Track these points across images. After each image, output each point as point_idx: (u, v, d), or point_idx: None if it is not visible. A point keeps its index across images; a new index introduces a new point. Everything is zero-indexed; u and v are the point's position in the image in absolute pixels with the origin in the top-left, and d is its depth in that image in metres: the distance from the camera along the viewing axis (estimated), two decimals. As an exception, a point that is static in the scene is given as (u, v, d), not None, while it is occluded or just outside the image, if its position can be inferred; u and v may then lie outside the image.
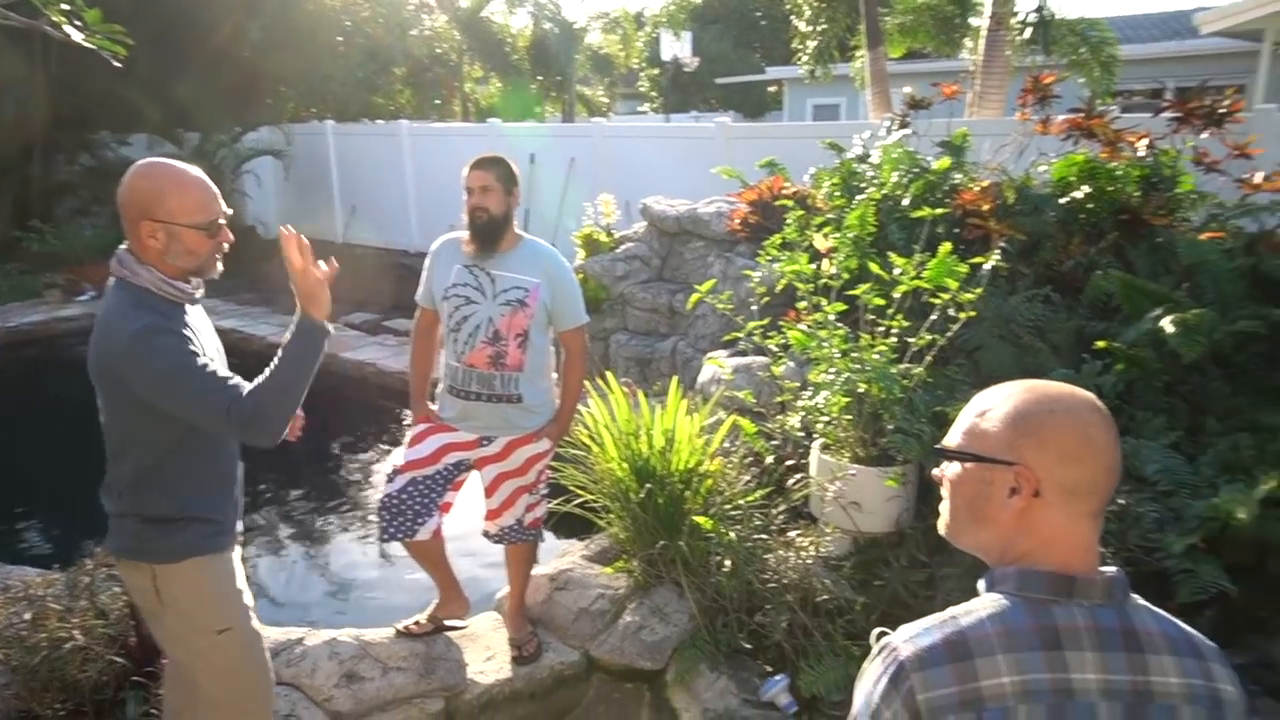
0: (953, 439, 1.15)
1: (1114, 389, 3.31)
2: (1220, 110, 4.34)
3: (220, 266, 2.13)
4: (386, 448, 6.53)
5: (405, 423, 6.87)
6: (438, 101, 17.68)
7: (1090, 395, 1.09)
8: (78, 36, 4.53)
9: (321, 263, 2.07)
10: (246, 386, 1.95)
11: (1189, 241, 3.93)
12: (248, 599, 2.27)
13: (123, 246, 2.05)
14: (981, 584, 1.11)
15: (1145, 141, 4.46)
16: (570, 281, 3.05)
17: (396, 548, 3.15)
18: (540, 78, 19.06)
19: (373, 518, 5.18)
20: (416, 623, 3.27)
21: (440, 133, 11.89)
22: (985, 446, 1.09)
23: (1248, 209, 4.39)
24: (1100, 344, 3.42)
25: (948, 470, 1.16)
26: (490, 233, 2.90)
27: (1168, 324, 3.26)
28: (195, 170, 2.06)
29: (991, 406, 1.11)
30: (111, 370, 1.97)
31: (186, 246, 2.01)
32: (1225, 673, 1.04)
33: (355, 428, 6.87)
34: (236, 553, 2.29)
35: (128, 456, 2.07)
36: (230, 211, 2.14)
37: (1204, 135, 4.39)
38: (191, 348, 1.97)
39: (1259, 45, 10.64)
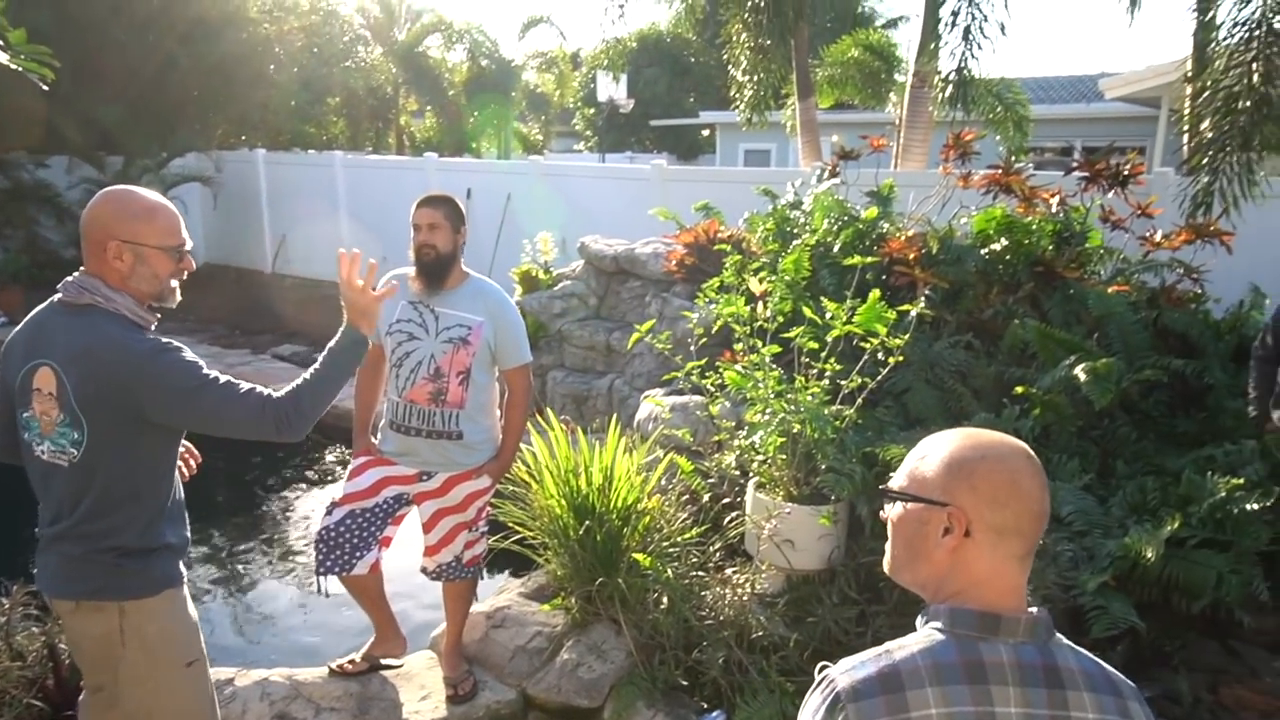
0: (896, 481, 1.23)
1: (1031, 432, 3.50)
2: (1125, 172, 4.65)
3: (178, 296, 2.13)
4: (319, 483, 6.40)
5: (334, 455, 6.76)
6: (372, 133, 17.57)
7: (1023, 445, 1.17)
8: (2, 58, 4.43)
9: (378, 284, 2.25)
10: (264, 390, 2.02)
11: (1098, 294, 4.19)
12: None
13: (79, 273, 2.02)
14: (919, 620, 1.18)
15: (1058, 198, 4.75)
16: (514, 320, 3.09)
17: (332, 584, 3.10)
18: (477, 113, 19.11)
19: (304, 555, 5.11)
20: (351, 661, 3.22)
21: (375, 165, 11.82)
22: (922, 488, 1.17)
23: (1149, 265, 4.71)
24: (1019, 389, 3.61)
25: (890, 511, 1.22)
26: (437, 270, 2.93)
27: (1080, 372, 3.46)
28: (161, 197, 2.08)
29: (931, 451, 1.19)
30: (116, 393, 1.93)
31: (152, 269, 2.01)
32: (1141, 710, 1.12)
33: (286, 463, 6.72)
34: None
35: (104, 488, 2.00)
36: (191, 243, 2.14)
37: (1110, 194, 4.70)
38: (196, 360, 2.01)
39: (1157, 111, 11.37)
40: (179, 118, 12.52)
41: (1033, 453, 1.16)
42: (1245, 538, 3.05)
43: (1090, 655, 1.14)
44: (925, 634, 1.12)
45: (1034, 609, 1.13)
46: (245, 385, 2.01)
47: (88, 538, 2.02)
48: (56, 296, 2.02)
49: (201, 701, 2.20)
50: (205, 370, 1.99)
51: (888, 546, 1.24)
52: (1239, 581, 2.94)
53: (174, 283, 2.09)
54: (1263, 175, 5.01)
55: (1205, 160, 5.10)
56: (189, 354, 2.01)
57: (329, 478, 6.49)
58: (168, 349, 1.97)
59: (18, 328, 2.08)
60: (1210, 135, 5.17)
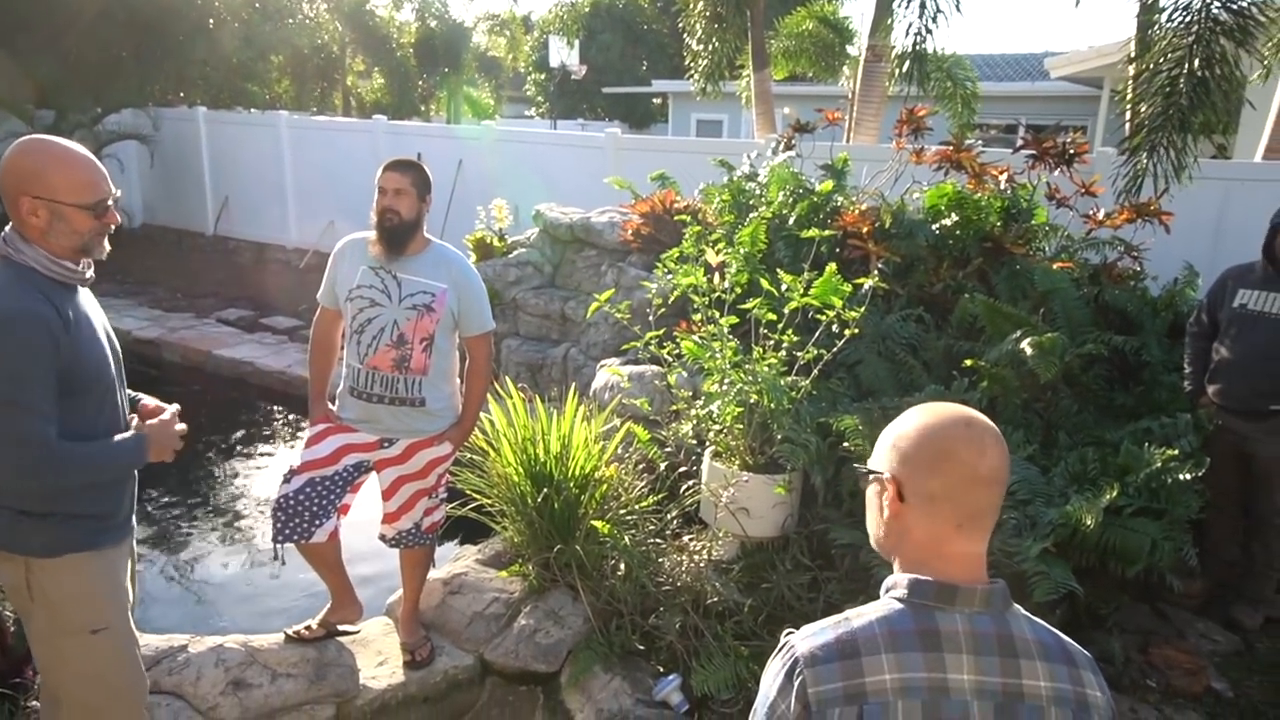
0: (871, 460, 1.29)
1: (979, 404, 3.60)
2: (1071, 151, 4.77)
3: (107, 247, 2.07)
4: (268, 450, 6.31)
5: (284, 423, 6.67)
6: (318, 93, 17.12)
7: (972, 415, 1.19)
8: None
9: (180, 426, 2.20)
10: (53, 432, 1.90)
11: (1043, 270, 4.31)
12: (127, 598, 2.20)
13: (9, 226, 1.98)
14: (882, 588, 1.22)
15: (1006, 176, 4.85)
16: (478, 287, 3.07)
17: (286, 550, 3.08)
18: (426, 76, 18.71)
19: (255, 520, 5.05)
20: (307, 627, 3.21)
21: (322, 126, 11.54)
22: (873, 461, 1.24)
23: (1092, 242, 4.85)
24: (968, 362, 3.71)
25: (868, 487, 1.28)
26: (399, 236, 2.89)
27: (1027, 346, 3.57)
28: (81, 148, 2.02)
29: (886, 430, 1.25)
30: None
31: (71, 225, 1.96)
32: (1095, 679, 1.16)
33: (234, 429, 6.60)
34: (126, 548, 2.22)
35: None
36: (119, 193, 2.09)
37: (1056, 173, 4.82)
38: (39, 361, 1.88)
39: (1100, 91, 11.64)
40: (114, 72, 12.03)
41: (985, 422, 1.19)
42: (1178, 506, 3.19)
43: (1047, 626, 1.18)
44: (885, 603, 1.16)
45: (992, 581, 1.17)
46: (49, 420, 1.90)
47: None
48: None
49: (110, 670, 2.17)
50: (33, 373, 1.87)
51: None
52: (1171, 548, 3.08)
53: (101, 235, 2.04)
54: (1193, 159, 5.16)
55: (1142, 141, 5.24)
56: (37, 347, 1.88)
57: (278, 442, 6.40)
58: (20, 323, 1.87)
59: None
60: (1149, 117, 5.31)
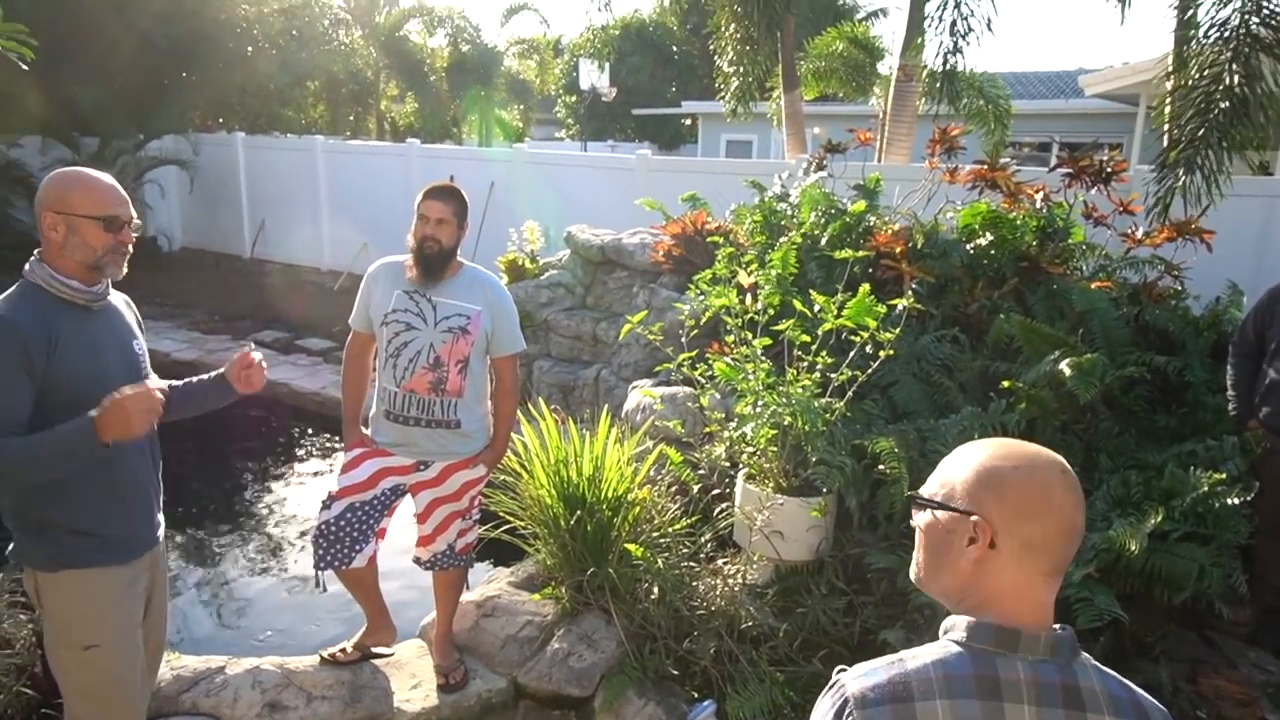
0: (927, 488, 1.20)
1: (1017, 426, 3.55)
2: (1108, 169, 4.71)
3: (125, 268, 2.16)
4: (303, 471, 6.37)
5: (318, 444, 6.73)
6: (352, 118, 17.40)
7: (1058, 459, 1.13)
8: (-21, 37, 4.35)
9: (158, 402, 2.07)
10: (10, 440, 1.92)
11: (1081, 290, 4.25)
12: (132, 619, 2.22)
13: (36, 251, 2.11)
14: (941, 629, 1.15)
15: (1042, 194, 4.80)
16: (510, 309, 3.09)
17: (324, 575, 3.09)
18: (458, 99, 18.96)
19: (290, 541, 5.09)
20: (342, 650, 3.22)
21: (356, 150, 11.72)
22: (950, 496, 1.15)
23: (1131, 261, 4.78)
24: (1005, 384, 3.66)
25: (919, 518, 1.20)
26: (438, 265, 2.92)
27: (1065, 366, 3.51)
28: (106, 177, 2.15)
29: (963, 460, 1.16)
30: None
31: (84, 239, 2.06)
32: None
33: (269, 449, 6.67)
34: (137, 568, 2.24)
35: None
36: (139, 221, 2.21)
37: (1092, 191, 4.76)
38: (3, 368, 1.92)
39: (1135, 109, 11.50)
40: (156, 99, 12.32)
41: (1068, 467, 1.13)
42: (1226, 531, 3.12)
43: (1117, 676, 1.11)
44: (942, 645, 1.10)
45: (1058, 627, 1.11)
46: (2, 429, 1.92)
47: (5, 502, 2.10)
48: None
49: (100, 687, 2.20)
50: None
51: (915, 553, 1.21)
52: (1219, 574, 3.00)
53: (117, 254, 2.12)
54: (1227, 177, 5.06)
55: (1180, 157, 5.16)
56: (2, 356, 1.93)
57: (313, 463, 6.46)
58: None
59: None
60: (1186, 134, 5.23)
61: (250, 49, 13.74)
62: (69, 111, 11.27)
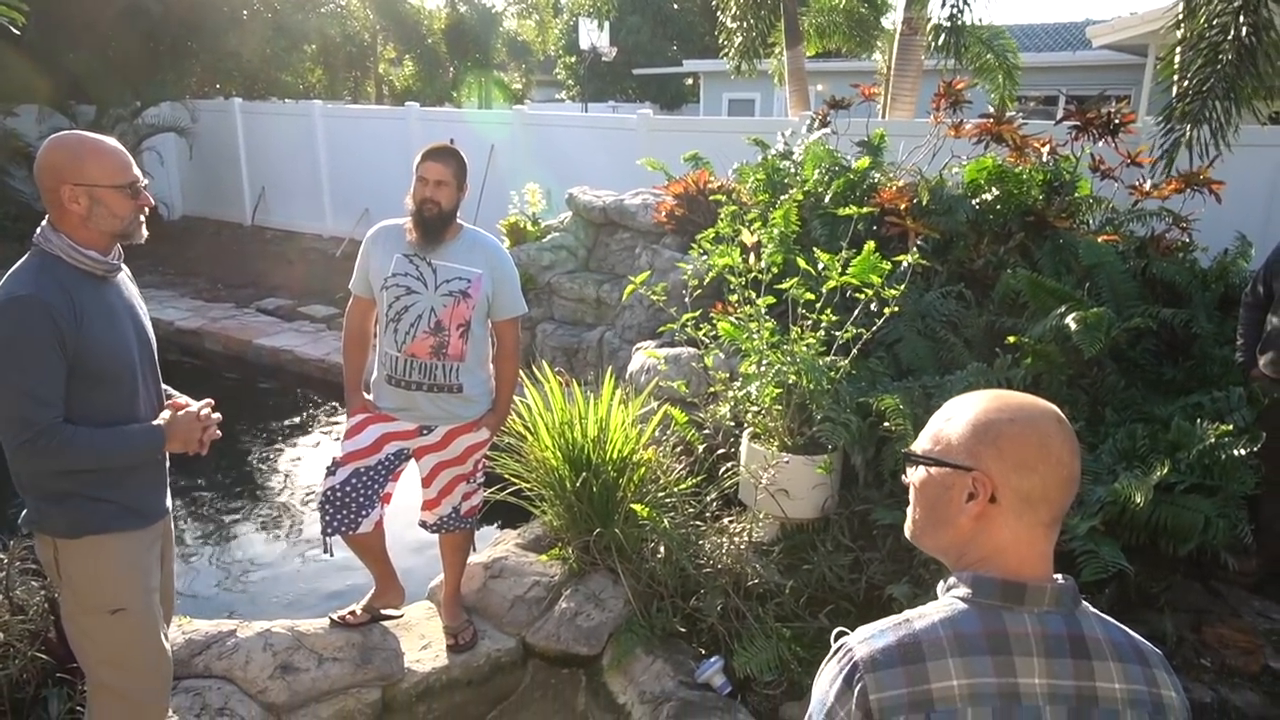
0: (920, 444, 1.18)
1: (1023, 381, 3.53)
2: (1115, 121, 4.64)
3: (145, 232, 2.14)
4: (309, 436, 6.39)
5: (323, 410, 6.75)
6: (350, 82, 17.22)
7: (1053, 408, 1.12)
8: (-32, 3, 4.29)
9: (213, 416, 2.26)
10: (60, 416, 1.96)
11: (1088, 243, 4.21)
12: (151, 582, 2.24)
13: (45, 220, 2.07)
14: (940, 587, 1.14)
15: (1048, 148, 4.73)
16: (511, 272, 3.07)
17: (335, 542, 3.11)
18: (456, 62, 18.74)
19: (297, 506, 5.12)
20: (352, 612, 3.25)
21: (355, 115, 11.61)
22: (947, 452, 1.12)
23: (1138, 214, 4.72)
24: (1010, 339, 3.63)
25: (913, 475, 1.18)
26: (437, 226, 2.89)
27: (1071, 321, 3.49)
28: (111, 140, 2.10)
29: (957, 414, 1.14)
30: None
31: (110, 209, 2.04)
32: (1169, 679, 1.08)
33: (275, 417, 6.70)
34: (154, 533, 2.26)
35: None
36: (146, 180, 2.17)
37: (1099, 143, 4.69)
38: (40, 348, 1.93)
39: (1144, 59, 11.32)
40: (152, 66, 12.20)
41: (1064, 416, 1.12)
42: (1232, 482, 3.11)
43: (1118, 624, 1.12)
44: (947, 602, 1.09)
45: (1060, 577, 1.10)
46: (54, 405, 1.95)
47: (16, 472, 2.08)
48: None
49: (129, 651, 2.21)
50: (35, 358, 1.92)
51: (909, 510, 1.20)
52: (1225, 525, 3.00)
53: (139, 218, 2.12)
54: (1234, 129, 4.97)
55: (1188, 109, 5.07)
56: (38, 335, 1.93)
57: (318, 429, 6.49)
58: (21, 308, 1.92)
59: None
60: (1193, 85, 5.14)
61: (245, 13, 13.58)
62: (65, 80, 11.17)
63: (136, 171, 2.10)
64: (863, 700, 1.03)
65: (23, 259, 2.05)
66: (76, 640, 2.22)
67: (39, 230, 2.06)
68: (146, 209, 2.13)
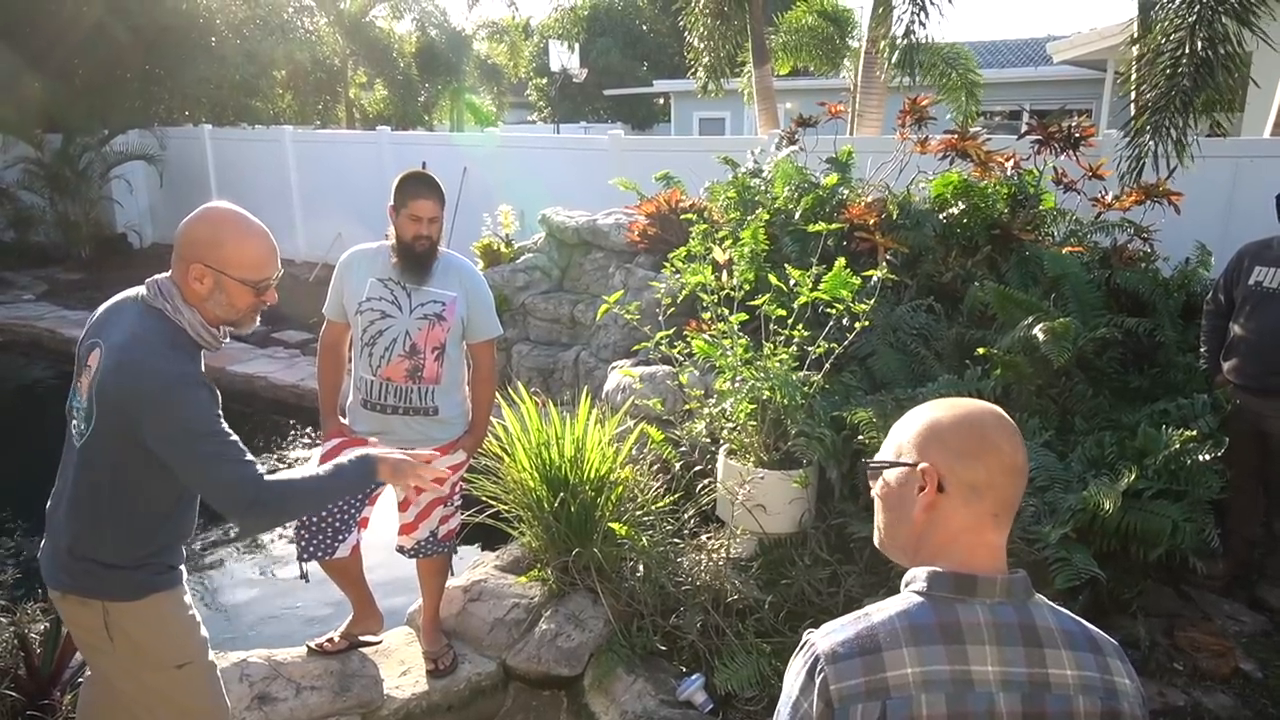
0: (879, 456, 1.26)
1: (993, 392, 3.58)
2: (1076, 135, 4.74)
3: (256, 323, 2.09)
4: (283, 463, 6.33)
5: (298, 436, 6.69)
6: (321, 107, 17.18)
7: (995, 408, 1.20)
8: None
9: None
10: (261, 468, 1.93)
11: (1053, 255, 4.29)
12: (204, 631, 2.21)
13: (164, 275, 1.98)
14: (902, 585, 1.20)
15: (1012, 162, 4.83)
16: (486, 294, 3.08)
17: (310, 568, 3.09)
18: (428, 85, 18.76)
19: (274, 534, 5.07)
20: (330, 640, 3.22)
21: (326, 139, 11.59)
22: (898, 454, 1.21)
23: (1101, 225, 4.82)
24: (980, 351, 3.69)
25: (876, 486, 1.25)
26: (428, 261, 2.92)
27: (1039, 332, 3.55)
28: (260, 225, 2.01)
29: (908, 423, 1.23)
30: (122, 401, 1.86)
31: (230, 299, 1.97)
32: (1123, 667, 1.13)
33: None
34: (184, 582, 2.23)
35: (92, 489, 1.95)
36: (282, 271, 2.08)
37: (1062, 157, 4.79)
38: (219, 411, 1.92)
39: (1104, 74, 11.57)
40: (119, 93, 12.12)
41: (1005, 414, 1.19)
42: (1198, 487, 3.17)
43: (1071, 614, 1.16)
44: (904, 597, 1.14)
45: (1012, 570, 1.15)
46: (249, 459, 1.92)
47: (73, 535, 1.98)
48: (142, 289, 1.99)
49: (199, 700, 2.16)
50: (220, 425, 1.91)
51: (875, 520, 1.26)
52: (1193, 529, 3.06)
53: (256, 314, 2.05)
54: (1194, 140, 5.09)
55: (1147, 123, 5.18)
56: (212, 401, 1.92)
57: (294, 456, 6.43)
58: (195, 384, 1.89)
59: (105, 304, 2.07)
60: (1152, 99, 5.26)
61: (214, 39, 13.53)
62: (29, 107, 11.07)
63: (276, 265, 2.02)
64: (824, 691, 1.08)
65: (143, 321, 1.93)
66: (135, 696, 2.12)
67: (162, 292, 1.95)
68: (267, 304, 2.05)
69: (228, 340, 2.11)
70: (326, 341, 3.17)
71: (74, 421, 1.98)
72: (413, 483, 2.19)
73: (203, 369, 1.99)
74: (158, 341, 1.90)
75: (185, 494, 2.04)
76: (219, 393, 1.97)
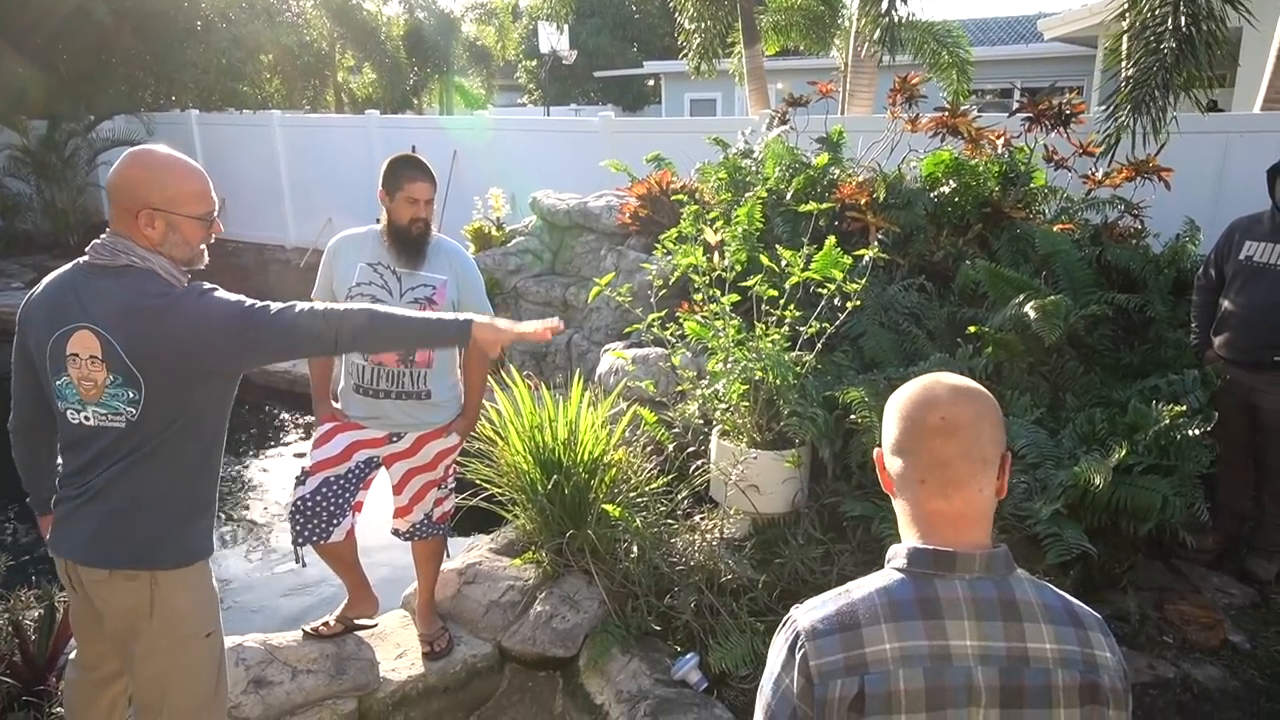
0: None
1: (985, 370, 3.60)
2: (1066, 112, 4.73)
3: (207, 258, 2.08)
4: (277, 447, 6.33)
5: (291, 421, 6.69)
6: (309, 91, 17.05)
7: (961, 382, 1.19)
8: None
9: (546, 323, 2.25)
10: (323, 305, 2.03)
11: (1044, 233, 4.29)
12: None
13: (107, 234, 1.97)
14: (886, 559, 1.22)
15: (1003, 140, 4.82)
16: (476, 277, 3.08)
17: (307, 553, 3.09)
18: (417, 68, 18.63)
19: (267, 519, 5.07)
20: (325, 624, 3.22)
21: (315, 124, 11.50)
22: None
23: (1092, 202, 4.82)
24: (972, 329, 3.70)
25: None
26: (424, 244, 2.91)
27: (1030, 309, 3.55)
28: (186, 157, 2.03)
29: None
30: (173, 344, 1.90)
31: (184, 237, 1.98)
32: (1105, 640, 1.13)
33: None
34: None
35: (159, 449, 1.97)
36: (218, 202, 2.08)
37: (1052, 134, 4.78)
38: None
39: (1094, 51, 11.54)
40: (104, 78, 12.00)
41: (951, 380, 1.18)
42: (1188, 462, 3.19)
43: (1053, 588, 1.17)
44: (885, 573, 1.16)
45: (993, 546, 1.16)
46: (301, 305, 2.01)
47: (137, 501, 1.98)
48: (82, 260, 1.98)
49: (213, 669, 2.18)
50: (247, 299, 1.98)
51: None
52: (1183, 504, 3.07)
53: (203, 246, 2.06)
54: (1173, 117, 5.08)
55: (1129, 99, 5.17)
56: (226, 293, 1.99)
57: (286, 441, 6.43)
58: (207, 290, 1.96)
59: (33, 294, 2.03)
60: (1134, 75, 5.24)
61: (200, 23, 13.40)
62: (12, 93, 10.96)
63: (215, 198, 2.04)
64: (804, 666, 1.10)
65: (120, 281, 1.91)
66: (160, 672, 2.09)
67: (114, 249, 1.93)
68: (214, 237, 2.07)
69: (188, 279, 2.10)
70: (316, 326, 3.15)
71: (91, 410, 1.94)
72: (504, 341, 2.18)
73: None
74: (150, 288, 1.92)
75: (221, 430, 2.12)
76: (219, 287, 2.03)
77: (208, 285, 1.99)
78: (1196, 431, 3.16)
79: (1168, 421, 3.19)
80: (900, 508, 1.19)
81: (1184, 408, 3.24)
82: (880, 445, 1.22)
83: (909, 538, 1.17)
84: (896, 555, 1.17)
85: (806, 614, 1.14)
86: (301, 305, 2.00)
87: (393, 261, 2.92)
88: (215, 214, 2.05)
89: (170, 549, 2.03)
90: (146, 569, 2.00)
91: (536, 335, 2.19)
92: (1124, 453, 3.07)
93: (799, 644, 1.11)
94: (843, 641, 1.09)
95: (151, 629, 2.04)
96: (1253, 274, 3.56)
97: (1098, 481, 2.93)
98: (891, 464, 1.19)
